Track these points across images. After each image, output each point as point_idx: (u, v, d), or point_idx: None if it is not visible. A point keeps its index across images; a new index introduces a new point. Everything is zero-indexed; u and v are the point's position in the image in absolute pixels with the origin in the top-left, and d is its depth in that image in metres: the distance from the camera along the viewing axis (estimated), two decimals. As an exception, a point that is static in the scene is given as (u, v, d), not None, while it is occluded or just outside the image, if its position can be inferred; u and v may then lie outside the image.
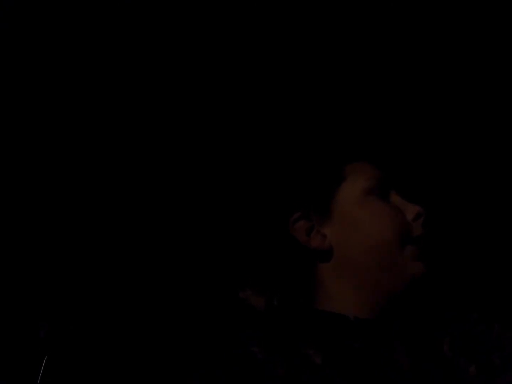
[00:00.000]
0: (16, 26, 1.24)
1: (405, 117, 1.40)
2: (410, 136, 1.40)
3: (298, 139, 1.34)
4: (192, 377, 0.73)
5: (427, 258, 0.80)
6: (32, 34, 1.26)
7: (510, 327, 0.78)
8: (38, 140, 1.37)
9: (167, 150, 1.41)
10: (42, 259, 1.35)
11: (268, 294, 0.83)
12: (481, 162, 1.42)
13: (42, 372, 1.05)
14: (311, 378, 0.70)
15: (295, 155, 0.98)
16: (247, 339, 0.75)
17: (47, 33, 1.26)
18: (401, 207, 0.83)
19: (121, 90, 1.36)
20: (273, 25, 1.28)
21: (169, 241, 1.39)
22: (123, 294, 1.35)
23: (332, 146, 0.97)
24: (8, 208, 1.36)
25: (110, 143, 1.39)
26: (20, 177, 1.36)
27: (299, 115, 1.38)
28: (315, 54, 1.33)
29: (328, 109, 1.37)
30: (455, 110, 1.40)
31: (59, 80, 1.33)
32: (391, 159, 0.94)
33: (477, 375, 0.72)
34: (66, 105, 1.36)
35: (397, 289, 0.79)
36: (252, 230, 0.90)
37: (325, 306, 0.80)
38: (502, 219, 1.39)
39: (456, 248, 1.31)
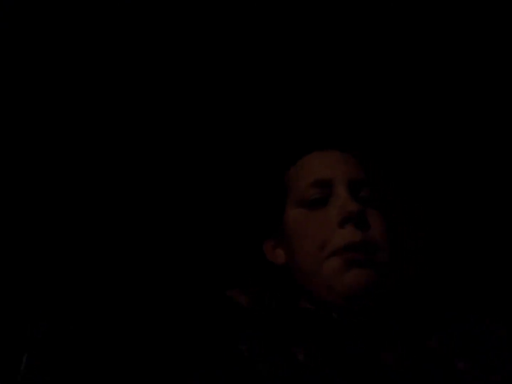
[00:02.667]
0: (16, 26, 1.25)
1: (373, 99, 1.36)
2: (380, 117, 1.36)
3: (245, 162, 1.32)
4: (192, 377, 0.73)
5: (372, 263, 0.76)
6: (32, 34, 1.26)
7: (508, 327, 0.78)
8: (38, 140, 1.37)
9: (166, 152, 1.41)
10: (41, 259, 1.35)
11: (255, 292, 0.85)
12: (471, 151, 1.39)
13: (23, 370, 1.05)
14: (297, 376, 0.70)
15: (248, 181, 1.03)
16: (236, 337, 0.76)
17: (47, 33, 1.27)
18: (339, 209, 0.79)
19: (118, 90, 1.36)
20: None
21: (170, 244, 1.39)
22: (121, 295, 1.36)
23: (270, 161, 0.97)
24: (8, 208, 1.36)
25: (101, 143, 1.39)
26: (19, 177, 1.37)
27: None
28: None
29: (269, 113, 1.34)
30: (416, 84, 1.37)
31: (59, 80, 1.33)
32: (355, 143, 0.91)
33: (475, 376, 0.72)
34: (66, 105, 1.36)
35: (341, 303, 0.77)
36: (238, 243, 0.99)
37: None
38: (501, 218, 1.39)
39: (455, 248, 1.31)
